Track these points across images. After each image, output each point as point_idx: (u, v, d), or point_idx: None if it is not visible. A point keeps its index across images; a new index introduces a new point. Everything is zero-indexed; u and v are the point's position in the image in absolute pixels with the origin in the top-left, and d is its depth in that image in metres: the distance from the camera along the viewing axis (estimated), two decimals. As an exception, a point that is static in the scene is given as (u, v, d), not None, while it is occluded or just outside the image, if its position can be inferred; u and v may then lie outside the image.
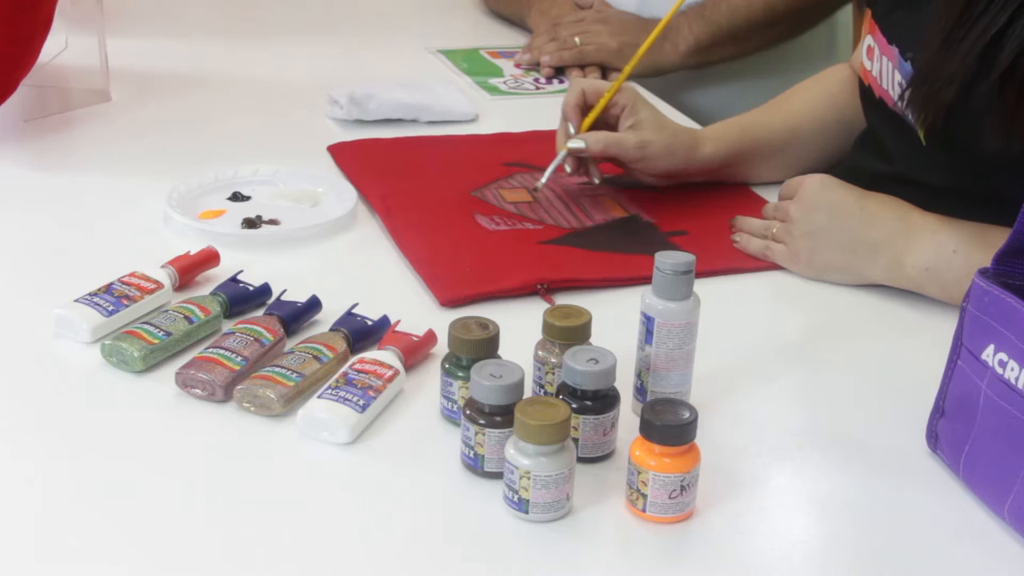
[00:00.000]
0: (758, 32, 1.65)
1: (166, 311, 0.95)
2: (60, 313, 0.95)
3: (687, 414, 0.77)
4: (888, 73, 1.11)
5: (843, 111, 1.27)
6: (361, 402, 0.85)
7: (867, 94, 1.17)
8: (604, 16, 1.68)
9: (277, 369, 0.88)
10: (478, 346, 0.85)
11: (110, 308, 0.95)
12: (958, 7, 0.96)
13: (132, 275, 1.00)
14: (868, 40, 1.16)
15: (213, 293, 0.99)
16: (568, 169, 1.23)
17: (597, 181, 1.24)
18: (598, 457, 0.83)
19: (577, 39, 1.65)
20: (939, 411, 0.84)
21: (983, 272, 0.80)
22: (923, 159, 1.09)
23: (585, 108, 1.23)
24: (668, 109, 1.54)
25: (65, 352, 0.94)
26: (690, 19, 1.63)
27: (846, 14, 1.79)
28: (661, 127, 1.22)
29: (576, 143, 1.20)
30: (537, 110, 1.54)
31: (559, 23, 1.70)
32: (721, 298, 1.04)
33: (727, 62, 1.68)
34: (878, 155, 1.18)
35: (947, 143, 1.05)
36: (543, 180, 1.22)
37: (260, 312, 0.98)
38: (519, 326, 0.91)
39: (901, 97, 1.06)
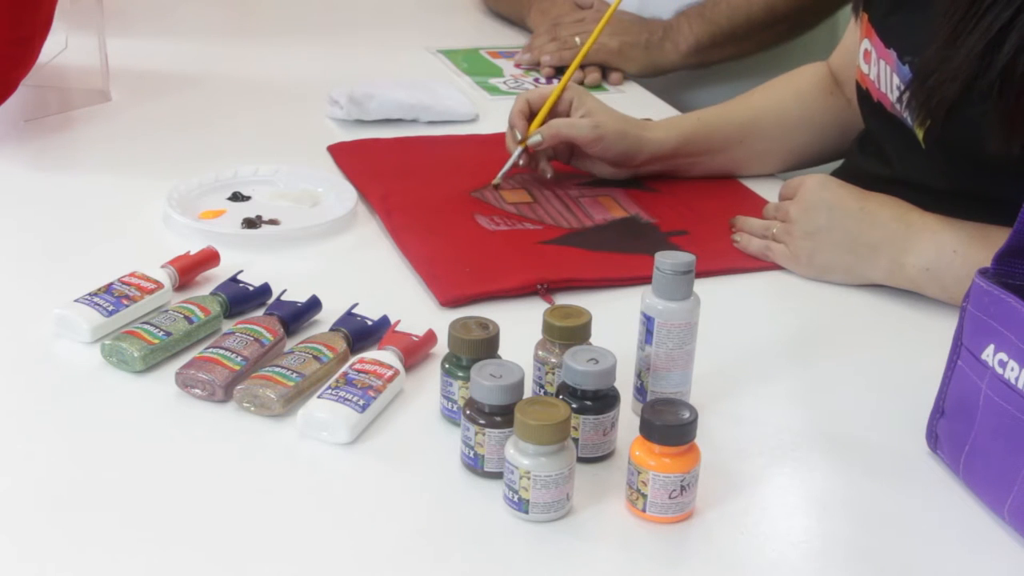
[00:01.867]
0: (758, 32, 1.65)
1: (166, 311, 0.95)
2: (60, 313, 0.95)
3: (687, 414, 0.77)
4: (886, 76, 1.11)
5: (809, 108, 1.29)
6: (361, 402, 0.85)
7: (865, 98, 1.17)
8: (604, 15, 1.68)
9: (277, 369, 0.88)
10: (478, 346, 0.85)
11: (110, 308, 0.95)
12: (964, 3, 0.96)
13: (132, 275, 1.00)
14: (865, 44, 1.16)
15: (213, 293, 0.99)
16: (520, 162, 1.26)
17: (549, 175, 1.27)
18: (598, 457, 0.83)
19: (577, 39, 1.65)
20: (939, 411, 0.84)
21: (983, 272, 0.80)
22: (922, 162, 1.10)
23: (530, 115, 1.26)
24: (668, 109, 1.55)
25: (65, 352, 0.94)
26: (690, 19, 1.63)
27: (847, 14, 1.79)
28: (611, 112, 1.26)
29: (534, 138, 1.24)
30: (537, 110, 1.54)
31: (559, 23, 1.70)
32: (721, 298, 1.04)
33: (727, 62, 1.68)
34: (877, 158, 1.18)
35: (947, 144, 1.05)
36: (498, 178, 1.26)
37: (260, 312, 0.98)
38: (519, 326, 0.91)
39: (900, 98, 1.06)
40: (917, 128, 1.07)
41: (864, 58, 1.16)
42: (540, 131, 1.24)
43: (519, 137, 1.25)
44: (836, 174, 1.15)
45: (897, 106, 1.08)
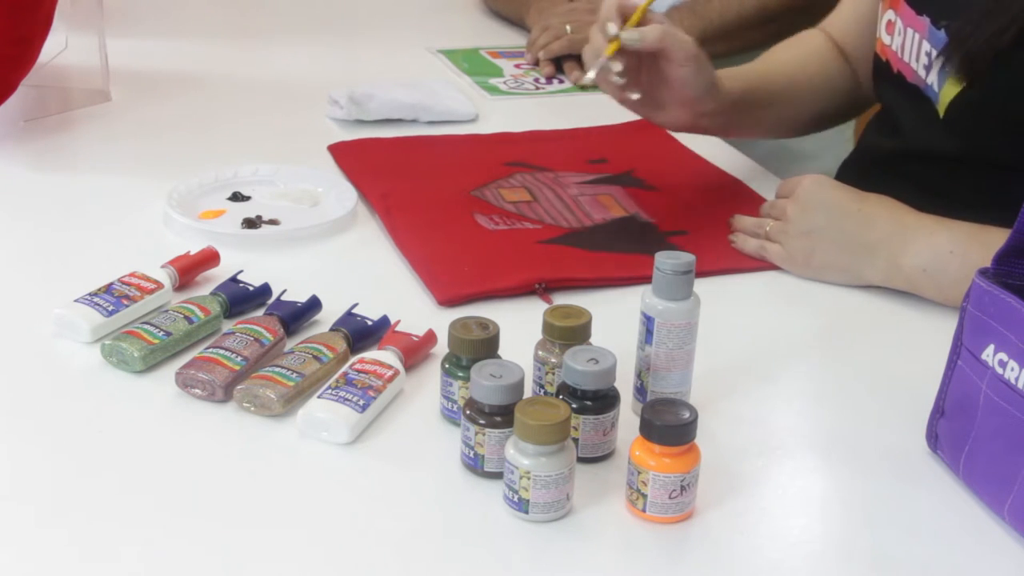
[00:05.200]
0: (749, 30, 1.64)
1: (166, 311, 0.95)
2: (60, 313, 0.95)
3: (687, 414, 0.77)
4: (912, 45, 1.11)
5: (826, 67, 1.30)
6: (361, 402, 0.85)
7: (883, 70, 1.18)
8: (595, 7, 1.68)
9: (277, 369, 0.88)
10: (478, 346, 0.85)
11: (110, 308, 0.95)
12: None
13: (132, 275, 1.00)
14: (888, 15, 1.16)
15: (213, 293, 0.99)
16: (616, 68, 1.10)
17: (635, 98, 1.14)
18: (598, 457, 0.83)
19: (568, 27, 1.65)
20: (939, 411, 0.84)
21: (983, 272, 0.80)
22: (936, 132, 1.11)
23: (622, 15, 1.12)
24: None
25: (65, 352, 0.94)
26: (681, 14, 1.63)
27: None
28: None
29: (631, 35, 1.09)
30: (537, 110, 1.54)
31: (550, 13, 1.70)
32: (721, 298, 1.04)
33: (716, 59, 1.67)
34: (889, 132, 1.19)
35: (977, 105, 1.05)
36: (591, 75, 1.10)
37: (260, 312, 0.98)
38: (519, 326, 0.91)
39: (940, 54, 1.07)
40: (951, 86, 1.07)
41: (887, 29, 1.16)
42: (640, 31, 1.09)
43: (612, 32, 1.09)
44: (850, 156, 1.15)
45: (921, 73, 1.08)
